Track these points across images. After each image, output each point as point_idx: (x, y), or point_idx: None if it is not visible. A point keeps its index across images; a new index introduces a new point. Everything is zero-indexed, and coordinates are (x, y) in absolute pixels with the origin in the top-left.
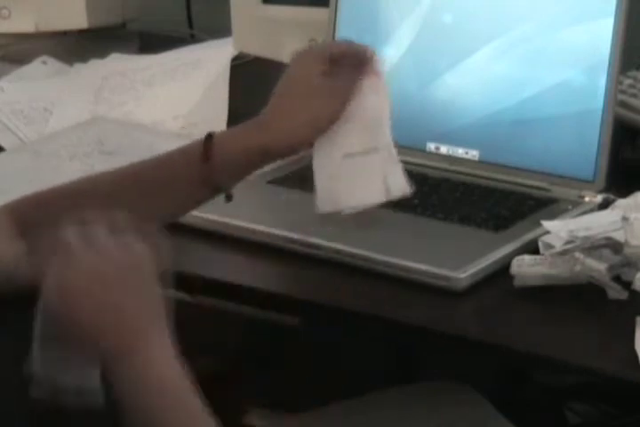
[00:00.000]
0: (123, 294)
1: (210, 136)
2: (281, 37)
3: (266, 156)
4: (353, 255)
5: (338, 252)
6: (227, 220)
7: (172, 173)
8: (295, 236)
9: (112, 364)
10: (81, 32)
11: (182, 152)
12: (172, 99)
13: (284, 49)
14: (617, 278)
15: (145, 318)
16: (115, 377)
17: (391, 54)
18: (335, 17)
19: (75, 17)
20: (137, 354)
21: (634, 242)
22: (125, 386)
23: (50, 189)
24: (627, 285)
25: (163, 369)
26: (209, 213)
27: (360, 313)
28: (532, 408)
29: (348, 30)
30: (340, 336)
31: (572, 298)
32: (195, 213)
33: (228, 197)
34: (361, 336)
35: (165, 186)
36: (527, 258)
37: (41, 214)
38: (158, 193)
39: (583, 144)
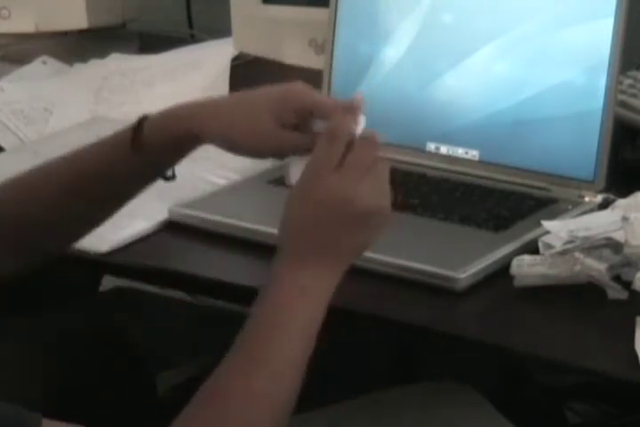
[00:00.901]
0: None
1: (141, 122)
2: (281, 37)
3: (195, 142)
4: None
5: None
6: (227, 220)
7: (108, 159)
8: None
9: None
10: (81, 32)
11: (114, 139)
12: (171, 99)
13: (284, 49)
14: (617, 278)
15: (344, 258)
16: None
17: (391, 54)
18: (335, 17)
19: (75, 17)
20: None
21: (634, 242)
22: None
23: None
24: (627, 285)
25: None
26: (208, 213)
27: (360, 313)
28: (532, 408)
29: (347, 30)
30: (340, 336)
31: (572, 298)
32: (193, 212)
33: (167, 178)
34: (362, 336)
35: (105, 173)
36: (527, 258)
37: None
38: (102, 180)
39: (583, 144)
